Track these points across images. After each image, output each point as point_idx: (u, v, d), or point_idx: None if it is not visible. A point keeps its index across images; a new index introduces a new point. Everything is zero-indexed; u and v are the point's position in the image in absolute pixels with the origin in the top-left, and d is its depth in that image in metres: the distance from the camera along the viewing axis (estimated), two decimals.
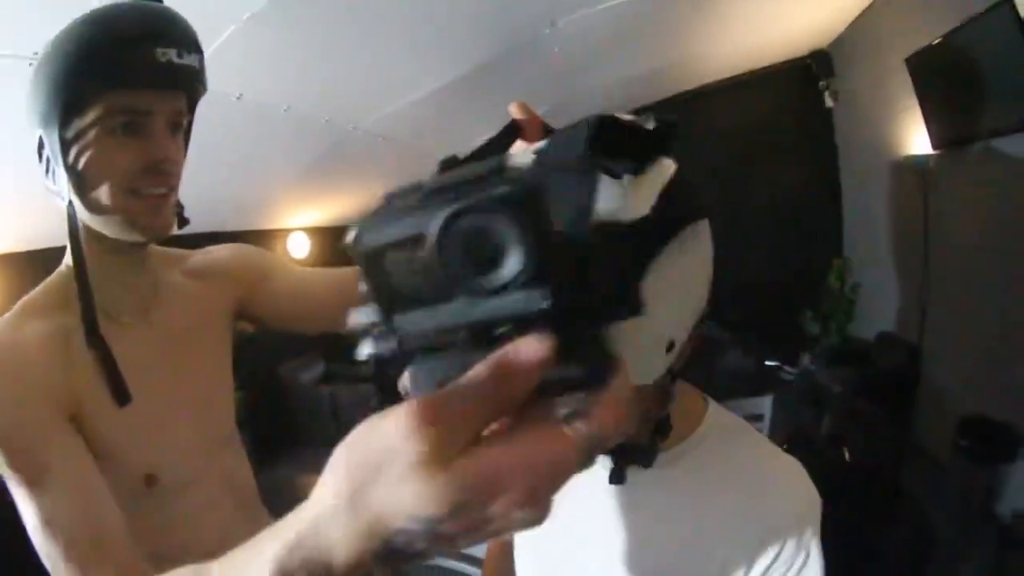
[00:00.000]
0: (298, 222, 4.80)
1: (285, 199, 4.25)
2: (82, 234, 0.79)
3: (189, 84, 0.78)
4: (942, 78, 2.86)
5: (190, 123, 0.88)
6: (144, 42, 0.70)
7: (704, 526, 0.69)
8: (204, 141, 2.95)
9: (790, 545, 0.67)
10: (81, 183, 0.76)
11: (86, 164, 0.75)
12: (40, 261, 2.91)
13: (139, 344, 0.88)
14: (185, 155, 0.88)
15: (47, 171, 0.78)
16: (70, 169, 0.75)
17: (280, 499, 2.34)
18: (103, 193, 0.76)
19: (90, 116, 0.72)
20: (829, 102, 4.59)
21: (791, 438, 2.47)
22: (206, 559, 0.79)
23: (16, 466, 0.71)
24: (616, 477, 0.69)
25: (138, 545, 0.84)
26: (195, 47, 0.76)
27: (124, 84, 0.72)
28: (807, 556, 0.67)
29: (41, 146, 0.76)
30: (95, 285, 0.80)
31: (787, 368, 4.98)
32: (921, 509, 2.86)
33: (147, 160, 0.76)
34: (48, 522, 0.70)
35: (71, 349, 0.79)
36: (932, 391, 3.56)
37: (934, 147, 3.12)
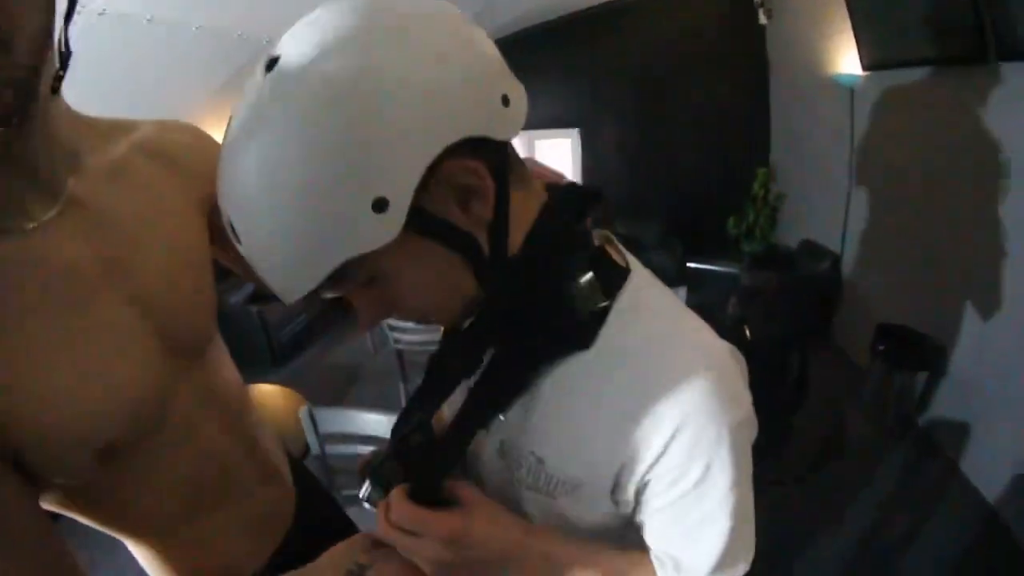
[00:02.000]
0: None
1: (201, 119, 3.96)
2: None
3: None
4: (878, 5, 2.87)
5: None
6: None
7: (598, 410, 0.59)
8: (115, 66, 2.70)
9: (680, 444, 0.55)
10: None
11: None
12: None
13: (62, 247, 0.63)
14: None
15: None
16: None
17: None
18: None
19: None
20: (763, 19, 4.56)
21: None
22: (183, 492, 0.79)
23: None
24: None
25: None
26: None
27: None
28: (706, 468, 0.56)
29: None
30: None
31: (710, 268, 5.24)
32: (832, 399, 3.11)
33: None
34: None
35: None
36: (852, 298, 3.81)
37: (864, 69, 3.19)
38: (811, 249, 4.23)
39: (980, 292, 2.51)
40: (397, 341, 3.34)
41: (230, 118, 0.50)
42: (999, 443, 2.43)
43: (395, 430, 0.70)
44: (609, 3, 4.92)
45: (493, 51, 0.54)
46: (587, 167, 5.65)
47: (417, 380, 0.76)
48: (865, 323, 3.28)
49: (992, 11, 2.15)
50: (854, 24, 3.13)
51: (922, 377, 2.85)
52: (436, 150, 0.47)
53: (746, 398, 0.58)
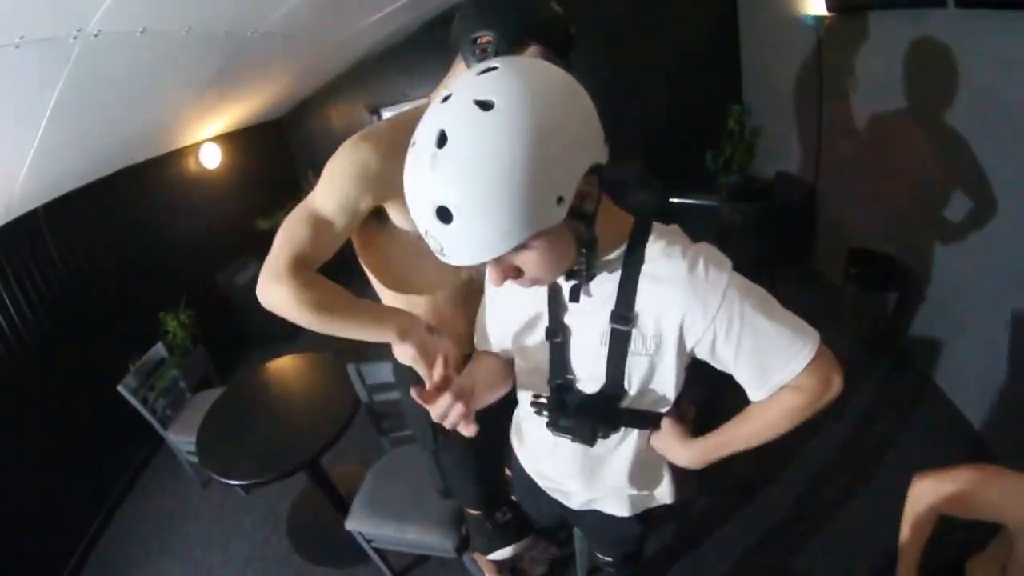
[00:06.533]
0: (206, 133, 4.58)
1: (192, 116, 4.05)
2: None
3: None
4: None
5: None
6: None
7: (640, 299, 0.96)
8: (111, 84, 2.77)
9: (708, 309, 0.92)
10: None
11: None
12: None
13: None
14: None
15: None
16: None
17: (243, 399, 2.62)
18: None
19: None
20: None
21: None
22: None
23: (332, 193, 1.17)
24: (573, 296, 1.00)
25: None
26: None
27: None
28: (737, 318, 0.93)
29: None
30: None
31: (690, 202, 5.41)
32: (812, 318, 3.36)
33: None
34: (303, 220, 1.19)
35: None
36: (827, 224, 4.07)
37: (828, 10, 3.33)
38: (786, 180, 4.44)
39: (942, 218, 2.72)
40: None
41: (421, 133, 0.75)
42: (967, 357, 2.68)
43: None
44: None
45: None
46: None
47: None
48: (840, 247, 3.54)
49: None
50: None
51: (893, 298, 3.10)
52: (586, 169, 0.78)
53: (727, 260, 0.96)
